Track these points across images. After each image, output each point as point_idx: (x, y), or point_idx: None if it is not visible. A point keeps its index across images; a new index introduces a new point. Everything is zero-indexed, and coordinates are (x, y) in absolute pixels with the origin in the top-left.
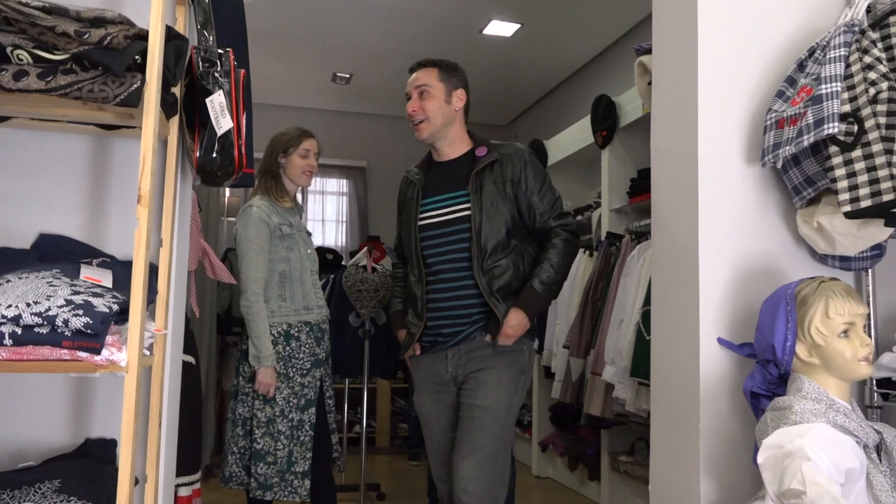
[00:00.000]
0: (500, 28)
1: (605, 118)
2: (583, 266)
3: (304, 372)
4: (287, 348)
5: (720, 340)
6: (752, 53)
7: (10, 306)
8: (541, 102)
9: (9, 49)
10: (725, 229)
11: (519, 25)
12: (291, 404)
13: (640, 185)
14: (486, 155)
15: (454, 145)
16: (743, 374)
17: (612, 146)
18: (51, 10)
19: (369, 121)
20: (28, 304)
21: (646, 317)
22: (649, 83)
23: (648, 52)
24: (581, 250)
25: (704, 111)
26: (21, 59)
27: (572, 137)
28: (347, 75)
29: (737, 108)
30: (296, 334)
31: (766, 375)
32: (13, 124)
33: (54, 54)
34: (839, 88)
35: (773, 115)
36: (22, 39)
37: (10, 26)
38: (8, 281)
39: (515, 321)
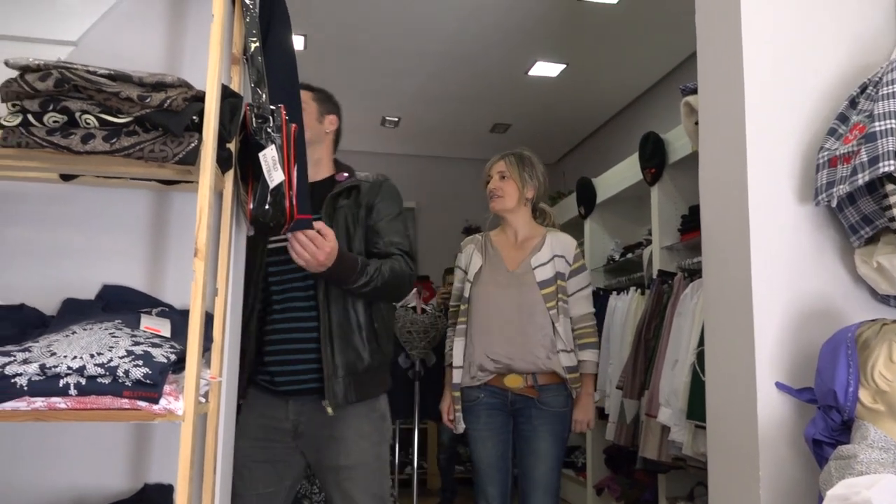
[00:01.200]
0: (546, 69)
1: (654, 155)
2: (634, 304)
3: None
4: None
5: (778, 385)
6: (800, 90)
7: (75, 357)
8: (587, 140)
9: (77, 114)
10: (779, 269)
11: (564, 66)
12: None
13: (692, 222)
14: (345, 181)
15: (318, 166)
16: (804, 420)
17: (662, 183)
18: (115, 76)
19: (418, 162)
20: (91, 356)
21: (701, 357)
22: (696, 123)
23: (694, 91)
24: (633, 288)
25: (753, 150)
26: (88, 123)
27: (620, 175)
28: (396, 119)
29: (787, 146)
30: None
31: (829, 422)
32: (80, 181)
33: (118, 117)
34: (893, 125)
35: (826, 153)
36: (89, 105)
37: (79, 93)
38: (73, 332)
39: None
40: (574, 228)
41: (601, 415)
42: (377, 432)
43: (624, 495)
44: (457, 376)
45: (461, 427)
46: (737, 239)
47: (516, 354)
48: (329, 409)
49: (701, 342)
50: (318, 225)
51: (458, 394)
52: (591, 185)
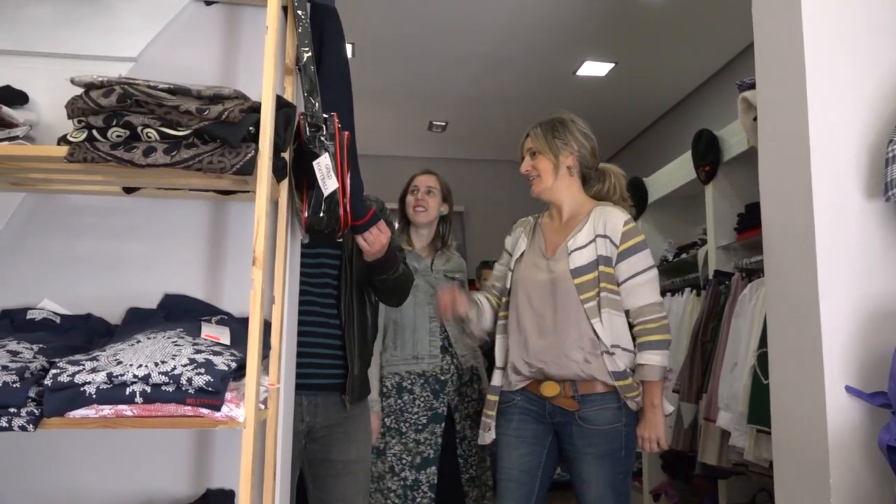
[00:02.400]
0: (594, 68)
1: (707, 153)
2: (690, 306)
3: (420, 427)
4: (399, 401)
5: (848, 389)
6: (866, 81)
7: (140, 366)
8: (638, 140)
9: (139, 128)
10: (847, 269)
11: (613, 64)
12: (404, 462)
13: (749, 221)
14: None
15: None
16: (877, 426)
17: (717, 181)
18: (175, 90)
19: (466, 166)
20: (156, 364)
21: (762, 359)
22: (754, 119)
23: (751, 87)
24: (688, 289)
25: (817, 145)
26: (150, 137)
27: (672, 174)
28: (443, 123)
29: (852, 140)
30: (408, 386)
31: None
32: (141, 193)
33: (178, 130)
34: None
35: (895, 146)
36: (150, 119)
37: (141, 108)
38: (138, 341)
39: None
40: None
41: None
42: (369, 431)
43: (682, 501)
44: (496, 378)
45: (488, 437)
46: (801, 237)
47: (549, 357)
48: (348, 404)
49: (761, 344)
50: None
51: (494, 398)
52: (642, 185)
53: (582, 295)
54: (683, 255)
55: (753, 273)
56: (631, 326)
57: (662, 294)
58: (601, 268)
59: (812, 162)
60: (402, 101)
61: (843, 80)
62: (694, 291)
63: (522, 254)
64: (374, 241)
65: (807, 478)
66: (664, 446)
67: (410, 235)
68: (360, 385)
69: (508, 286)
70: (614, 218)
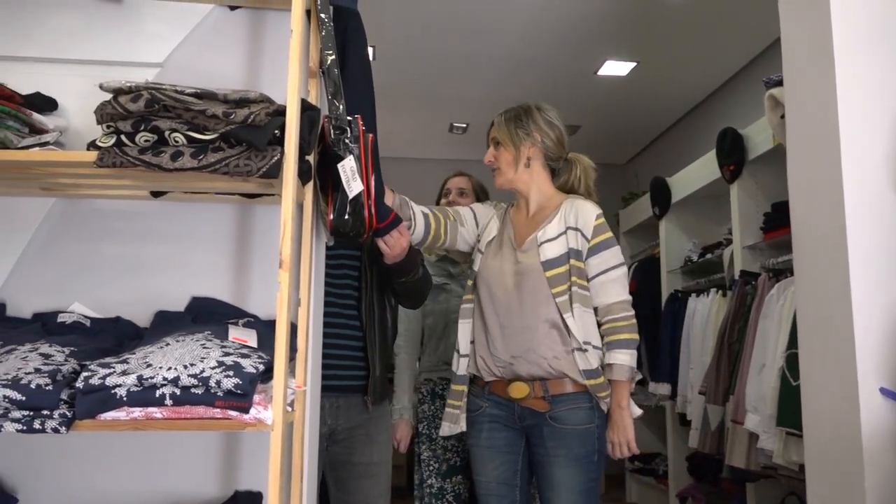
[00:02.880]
0: (615, 68)
1: (732, 152)
2: (716, 306)
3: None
4: (432, 407)
5: (883, 391)
6: None
7: (170, 368)
8: (660, 139)
9: (167, 132)
10: (880, 267)
11: (634, 64)
12: (431, 469)
13: (776, 220)
14: None
15: None
16: None
17: (742, 180)
18: (202, 95)
19: (486, 168)
20: (185, 366)
21: (791, 360)
22: (782, 116)
23: (778, 83)
24: (713, 290)
25: (847, 141)
26: (177, 141)
27: (696, 173)
28: (464, 125)
29: (884, 136)
30: (440, 392)
31: None
32: (167, 197)
33: (205, 134)
34: None
35: None
36: (178, 123)
37: (168, 112)
38: (167, 344)
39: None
40: (648, 229)
41: (682, 421)
42: (390, 433)
43: None
44: (462, 366)
45: (453, 429)
46: (832, 236)
47: (519, 353)
48: (370, 405)
49: (790, 345)
50: None
51: (462, 388)
52: (665, 185)
53: (554, 289)
54: (708, 256)
55: (780, 273)
56: (599, 324)
57: (687, 294)
58: (572, 261)
59: (843, 159)
60: (423, 103)
61: (873, 76)
62: (720, 292)
63: (492, 240)
64: (395, 244)
65: (840, 481)
66: (634, 450)
67: None
68: (381, 386)
69: (476, 268)
70: (586, 211)
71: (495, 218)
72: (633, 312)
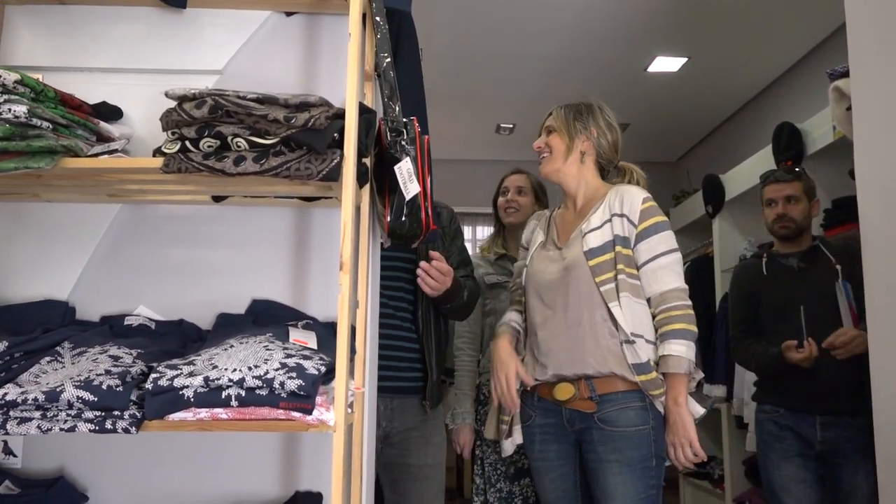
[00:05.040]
0: (666, 64)
1: (790, 147)
2: None
3: None
4: None
5: None
6: None
7: (235, 370)
8: (712, 136)
9: (229, 138)
10: None
11: (686, 59)
12: (499, 472)
13: (838, 216)
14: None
15: None
16: None
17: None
18: (263, 100)
19: (533, 168)
20: (250, 368)
21: None
22: (847, 109)
23: (844, 75)
24: None
25: None
26: (239, 146)
27: (751, 170)
28: (511, 126)
29: None
30: None
31: None
32: (228, 202)
33: (266, 139)
34: None
35: None
36: (240, 128)
37: (231, 118)
38: (231, 346)
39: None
40: (701, 228)
41: (739, 424)
42: (444, 436)
43: None
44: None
45: (510, 446)
46: None
47: (562, 351)
48: (428, 409)
49: None
50: (435, 256)
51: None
52: (718, 182)
53: (597, 277)
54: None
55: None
56: (653, 316)
57: None
58: (618, 248)
59: None
60: (470, 104)
61: None
62: None
63: (535, 247)
64: (434, 285)
65: None
66: (699, 452)
67: (506, 239)
68: (438, 390)
69: (523, 283)
70: (632, 196)
71: (539, 228)
72: (689, 302)
